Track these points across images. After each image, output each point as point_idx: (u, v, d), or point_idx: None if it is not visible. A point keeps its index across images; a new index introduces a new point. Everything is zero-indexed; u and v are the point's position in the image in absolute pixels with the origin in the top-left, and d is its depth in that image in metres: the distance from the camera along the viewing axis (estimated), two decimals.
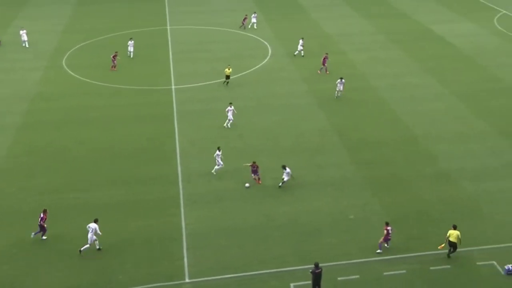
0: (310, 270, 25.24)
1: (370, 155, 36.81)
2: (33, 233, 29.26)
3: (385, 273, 26.73)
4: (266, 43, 58.52)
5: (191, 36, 61.00)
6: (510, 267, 26.50)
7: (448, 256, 27.55)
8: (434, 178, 34.14)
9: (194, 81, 48.63)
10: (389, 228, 27.75)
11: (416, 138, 38.89)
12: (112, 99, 45.65)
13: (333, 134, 39.55)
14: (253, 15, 63.40)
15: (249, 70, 50.65)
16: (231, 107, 40.53)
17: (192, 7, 72.62)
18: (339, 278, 26.44)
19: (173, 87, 47.85)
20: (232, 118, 40.42)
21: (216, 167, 34.71)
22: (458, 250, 27.61)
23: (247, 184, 33.31)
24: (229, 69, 46.97)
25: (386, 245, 28.09)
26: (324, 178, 34.38)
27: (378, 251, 27.95)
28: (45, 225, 29.06)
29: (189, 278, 26.65)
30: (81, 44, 58.72)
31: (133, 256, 28.03)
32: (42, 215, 29.08)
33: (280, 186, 33.02)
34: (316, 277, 25.09)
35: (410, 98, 44.94)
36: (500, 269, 26.81)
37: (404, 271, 26.86)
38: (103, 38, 60.82)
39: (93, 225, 28.17)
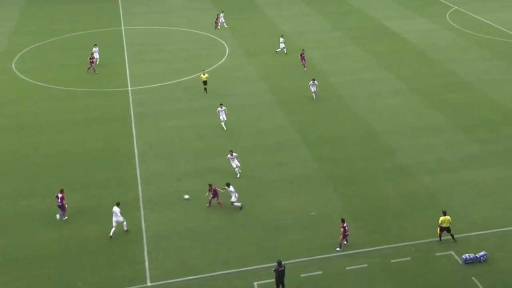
0: (274, 269, 25.12)
1: (330, 151, 36.99)
2: (57, 215, 29.84)
3: (347, 268, 26.87)
4: (223, 42, 58.22)
5: (146, 37, 60.11)
6: (468, 256, 27.03)
7: (440, 240, 28.27)
8: (393, 172, 34.55)
9: (150, 82, 47.91)
10: (345, 225, 27.81)
11: (375, 133, 39.30)
12: (65, 102, 44.48)
13: (293, 132, 39.59)
14: (221, 14, 62.82)
15: (207, 70, 50.19)
16: (221, 107, 39.85)
17: (147, 7, 71.57)
18: (302, 275, 26.44)
19: (129, 88, 47.01)
20: (225, 118, 39.65)
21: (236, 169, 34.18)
22: (417, 242, 28.34)
23: (186, 196, 31.98)
24: (204, 74, 45.46)
25: (345, 242, 28.22)
26: (285, 175, 34.35)
27: (338, 249, 28.02)
28: (66, 205, 29.79)
29: (151, 282, 26.17)
30: (31, 46, 57.13)
31: (92, 261, 27.38)
32: (60, 195, 29.47)
33: (232, 205, 31.56)
34: (279, 275, 24.99)
35: (368, 94, 45.42)
36: (458, 259, 27.30)
37: (365, 265, 27.07)
38: (54, 39, 59.33)
39: (116, 209, 28.78)
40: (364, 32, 60.59)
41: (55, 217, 30.07)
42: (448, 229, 28.21)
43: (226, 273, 26.65)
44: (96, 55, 51.19)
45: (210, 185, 31.27)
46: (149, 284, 26.05)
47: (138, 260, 27.45)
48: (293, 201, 31.95)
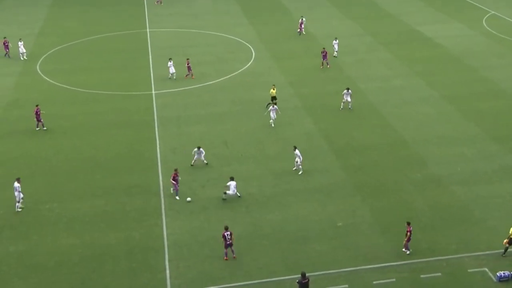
0: (297, 280, 24.31)
1: (358, 160, 35.89)
2: (174, 191, 31.79)
3: (374, 282, 25.88)
4: (249, 45, 57.52)
5: (171, 40, 59.79)
6: (503, 274, 25.81)
7: (504, 254, 27.26)
8: (423, 183, 33.30)
9: (175, 86, 47.44)
10: (411, 228, 27.25)
11: (405, 142, 38.03)
12: (89, 105, 44.32)
13: (320, 139, 38.59)
14: (303, 19, 59.74)
15: (233, 74, 49.62)
16: (274, 106, 40.03)
17: (173, 9, 71.40)
18: None
19: (153, 92, 46.63)
20: (275, 116, 39.96)
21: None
22: (449, 257, 27.19)
23: (188, 199, 31.61)
24: (274, 89, 43.04)
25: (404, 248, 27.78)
26: (311, 184, 33.41)
27: (407, 252, 27.60)
28: (178, 184, 31.46)
29: None
30: (56, 48, 57.34)
31: (113, 268, 26.92)
32: (174, 175, 31.46)
33: (224, 199, 31.83)
34: (303, 287, 24.08)
35: (398, 101, 44.13)
36: (492, 276, 26.06)
37: (393, 279, 26.03)
38: (79, 41, 59.51)
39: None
40: (396, 37, 59.19)
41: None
42: None
43: (248, 284, 25.88)
44: (172, 70, 48.25)
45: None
46: None
47: (159, 269, 26.88)
48: (319, 210, 30.99)
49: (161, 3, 73.82)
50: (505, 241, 27.32)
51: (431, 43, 57.25)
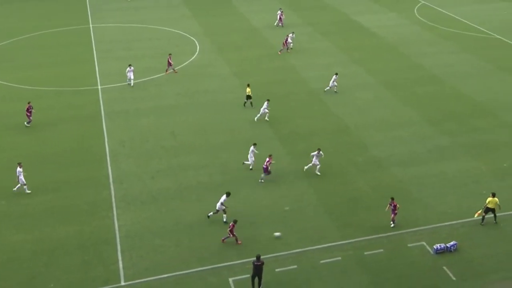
0: (253, 261, 25.23)
1: (303, 146, 37.20)
2: (262, 176, 32.94)
3: (321, 261, 27.10)
4: (193, 38, 57.93)
5: (116, 34, 59.41)
6: (439, 246, 27.55)
7: (482, 222, 29.49)
8: (365, 166, 34.95)
9: (121, 80, 47.39)
10: (395, 202, 29.03)
11: (347, 127, 39.69)
12: (34, 102, 43.56)
13: (265, 127, 39.70)
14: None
15: (178, 67, 49.98)
16: (267, 103, 40.25)
17: (115, 5, 70.67)
18: (277, 270, 26.57)
19: (99, 87, 46.43)
20: (267, 111, 40.13)
21: (247, 162, 34.55)
22: (390, 233, 28.84)
23: (277, 234, 29.10)
24: (249, 88, 42.48)
25: (391, 222, 29.49)
26: (259, 171, 34.41)
27: (392, 225, 29.38)
28: (270, 169, 32.78)
29: (125, 281, 25.97)
30: None
31: (65, 262, 27.04)
32: (268, 159, 32.69)
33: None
34: (257, 269, 25.11)
35: (339, 88, 45.76)
36: (429, 249, 27.80)
37: (339, 258, 27.36)
38: (20, 38, 58.18)
39: (222, 198, 29.54)
40: (334, 27, 61.02)
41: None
42: (493, 210, 29.15)
43: (201, 270, 26.62)
44: (131, 75, 45.96)
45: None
46: (123, 283, 25.85)
47: (112, 260, 27.21)
48: (267, 196, 32.07)
49: None
50: (478, 212, 29.47)
51: (367, 32, 59.43)
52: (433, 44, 55.78)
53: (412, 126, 39.62)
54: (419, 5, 69.60)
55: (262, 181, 33.32)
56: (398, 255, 27.51)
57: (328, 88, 44.65)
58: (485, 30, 59.72)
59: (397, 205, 29.14)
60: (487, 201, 29.19)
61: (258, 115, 40.39)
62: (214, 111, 42.13)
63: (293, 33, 54.93)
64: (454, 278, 26.13)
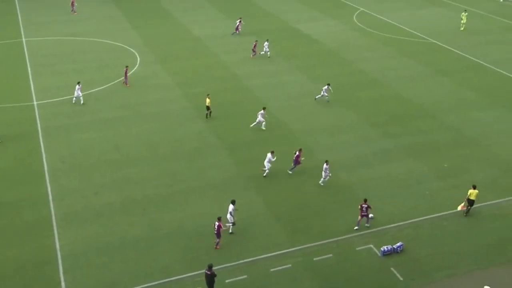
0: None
1: (250, 154, 37.00)
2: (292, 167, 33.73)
3: (272, 270, 26.91)
4: (133, 50, 56.90)
5: (51, 48, 57.46)
6: (386, 248, 27.87)
7: (466, 214, 30.64)
8: (312, 171, 35.02)
9: (60, 95, 45.80)
10: (365, 205, 29.32)
11: (293, 133, 39.77)
12: None
13: (211, 137, 39.27)
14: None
15: (119, 79, 48.86)
16: (263, 111, 40.18)
17: (50, 17, 68.40)
18: (227, 281, 26.17)
19: (34, 102, 44.66)
20: (262, 120, 40.04)
21: (266, 169, 34.50)
22: (339, 238, 28.98)
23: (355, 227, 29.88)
24: (208, 99, 41.61)
25: (366, 223, 29.92)
26: (206, 181, 33.98)
27: (367, 224, 29.79)
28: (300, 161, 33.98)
29: None
30: None
31: (4, 287, 25.65)
32: (297, 153, 33.92)
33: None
34: (206, 277, 24.77)
35: (284, 95, 45.95)
36: (377, 251, 28.08)
37: (289, 265, 27.22)
38: None
39: (230, 207, 29.09)
40: (276, 35, 61.36)
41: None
42: (472, 202, 30.27)
43: (149, 286, 25.86)
44: (78, 93, 43.78)
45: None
46: None
47: (55, 281, 26.10)
48: (216, 206, 31.59)
49: (74, 12, 70.56)
50: (461, 205, 30.63)
51: (309, 39, 60.13)
52: (373, 50, 56.99)
53: (356, 130, 40.15)
54: (358, 12, 71.10)
55: (291, 172, 34.57)
56: (347, 259, 27.64)
57: (319, 96, 44.80)
58: (422, 35, 61.56)
59: (369, 206, 29.55)
60: (468, 193, 30.48)
61: (254, 123, 40.42)
62: (159, 122, 41.37)
63: (267, 40, 55.45)
64: (401, 278, 26.45)
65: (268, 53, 54.34)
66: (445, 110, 43.36)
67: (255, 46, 54.23)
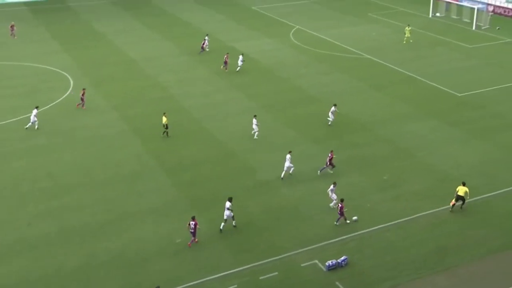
0: None
1: (190, 176, 36.33)
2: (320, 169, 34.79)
3: None
4: (65, 73, 55.18)
5: None
6: (331, 263, 27.82)
7: (452, 209, 31.99)
8: (255, 189, 34.79)
9: None
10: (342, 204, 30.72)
11: (233, 153, 39.44)
12: None
13: (150, 159, 38.35)
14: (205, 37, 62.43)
15: (51, 104, 47.13)
16: (255, 119, 41.33)
17: None
18: None
19: None
20: (257, 129, 41.23)
21: (288, 171, 35.76)
22: (284, 255, 28.69)
23: (354, 218, 31.63)
24: (165, 117, 41.27)
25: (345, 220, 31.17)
26: (146, 205, 33.02)
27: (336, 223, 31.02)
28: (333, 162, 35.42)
29: None
30: None
31: None
32: (330, 155, 35.65)
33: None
34: None
35: (222, 115, 45.63)
36: (322, 267, 27.96)
37: (235, 285, 26.68)
38: None
39: (227, 204, 30.00)
40: (213, 55, 61.18)
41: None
42: (462, 198, 31.39)
43: None
44: (33, 118, 42.50)
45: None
46: None
47: None
48: (156, 230, 30.70)
49: (14, 36, 67.42)
50: (452, 201, 31.90)
51: (246, 58, 60.26)
52: (308, 66, 57.78)
53: (297, 146, 40.20)
54: (294, 29, 72.14)
55: (320, 172, 36.25)
56: (292, 276, 27.36)
57: (239, 68, 47.39)
58: (356, 51, 63.05)
59: (343, 207, 30.77)
60: (457, 189, 31.69)
61: (256, 132, 41.45)
62: (95, 146, 40.05)
63: (242, 54, 56.48)
64: None
65: (239, 68, 55.53)
66: (381, 123, 44.28)
67: (227, 57, 55.80)
